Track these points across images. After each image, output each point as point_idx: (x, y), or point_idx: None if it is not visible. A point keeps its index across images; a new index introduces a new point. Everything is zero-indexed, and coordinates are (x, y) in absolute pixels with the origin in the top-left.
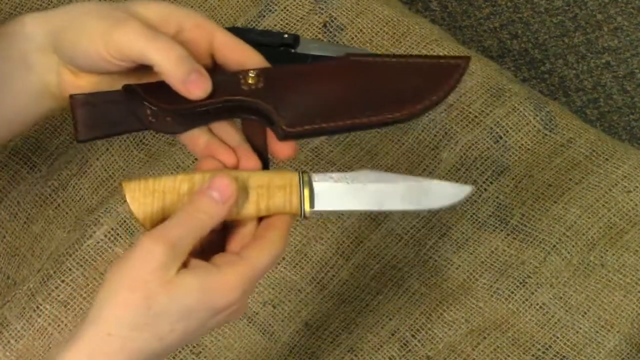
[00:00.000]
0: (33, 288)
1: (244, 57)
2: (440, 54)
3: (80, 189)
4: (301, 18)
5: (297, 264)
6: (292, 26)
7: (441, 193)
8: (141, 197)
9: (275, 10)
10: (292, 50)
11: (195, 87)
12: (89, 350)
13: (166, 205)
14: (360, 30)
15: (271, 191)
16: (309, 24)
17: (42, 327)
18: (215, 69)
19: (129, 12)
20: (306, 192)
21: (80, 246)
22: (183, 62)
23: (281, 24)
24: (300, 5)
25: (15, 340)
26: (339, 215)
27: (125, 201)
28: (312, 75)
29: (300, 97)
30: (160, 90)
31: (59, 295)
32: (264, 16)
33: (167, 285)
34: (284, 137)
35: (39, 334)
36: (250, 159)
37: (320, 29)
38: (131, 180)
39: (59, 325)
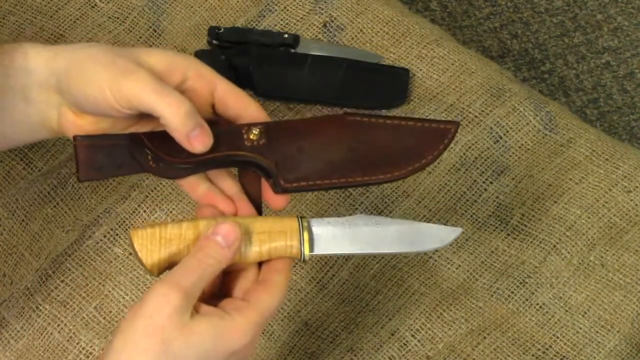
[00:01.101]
0: (31, 287)
1: (243, 107)
2: (440, 54)
3: (80, 187)
4: (301, 18)
5: (297, 264)
6: (292, 26)
7: (432, 236)
8: (149, 244)
9: (275, 10)
10: (292, 50)
11: (198, 142)
12: None
13: (172, 252)
14: (360, 30)
15: (272, 236)
16: (309, 24)
17: (41, 327)
18: (217, 121)
19: (135, 61)
20: (306, 236)
21: (80, 246)
22: (190, 118)
23: (281, 24)
24: (300, 5)
25: (15, 340)
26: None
27: (124, 202)
28: (311, 135)
29: (299, 156)
30: (164, 142)
31: (58, 295)
32: (264, 16)
33: (183, 330)
34: (281, 191)
35: (38, 334)
36: (247, 208)
37: (320, 29)
38: (139, 229)
39: (58, 325)
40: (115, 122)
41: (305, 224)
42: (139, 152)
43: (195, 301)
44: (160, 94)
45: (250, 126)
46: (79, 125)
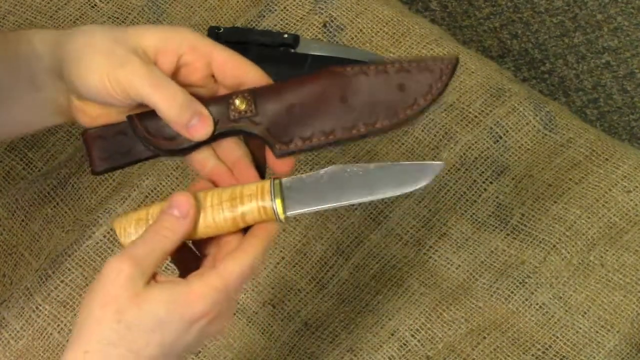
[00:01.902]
0: (31, 288)
1: (242, 73)
2: (440, 54)
3: (80, 187)
4: (301, 18)
5: (296, 264)
6: (292, 26)
7: (415, 173)
8: (128, 227)
9: (275, 10)
10: (292, 50)
11: (197, 131)
12: None
13: None
14: (360, 30)
15: (244, 200)
16: (309, 24)
17: (41, 327)
18: (205, 98)
19: (131, 47)
20: (278, 197)
21: (80, 247)
22: (185, 109)
23: (281, 24)
24: (300, 5)
25: (15, 341)
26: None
27: (124, 202)
28: (299, 93)
29: (290, 117)
30: (159, 125)
31: (58, 296)
32: (264, 16)
33: (135, 299)
34: (280, 155)
35: (38, 334)
36: (247, 171)
37: (320, 29)
38: (120, 216)
39: (58, 325)
40: (120, 109)
41: (277, 182)
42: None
43: (151, 271)
44: (155, 86)
45: (234, 96)
46: (87, 111)
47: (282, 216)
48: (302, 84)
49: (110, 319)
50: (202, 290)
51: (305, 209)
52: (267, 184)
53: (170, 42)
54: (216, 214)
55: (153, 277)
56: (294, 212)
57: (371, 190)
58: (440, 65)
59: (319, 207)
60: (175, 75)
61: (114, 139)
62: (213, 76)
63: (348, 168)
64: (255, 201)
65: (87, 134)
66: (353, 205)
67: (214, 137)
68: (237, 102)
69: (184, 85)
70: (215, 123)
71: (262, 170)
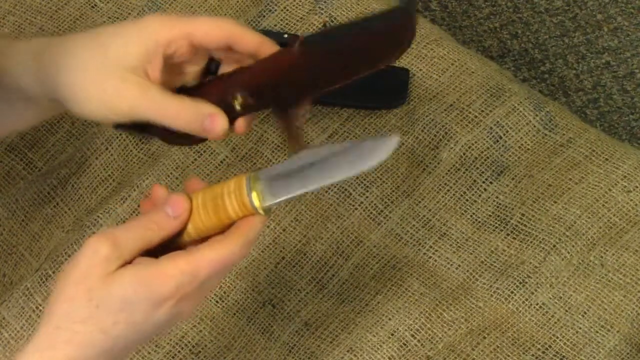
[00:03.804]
0: (31, 288)
1: (225, 36)
2: (440, 54)
3: (80, 187)
4: (301, 18)
5: (296, 264)
6: (292, 26)
7: (374, 149)
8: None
9: (275, 10)
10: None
11: (213, 130)
12: (40, 344)
13: None
14: None
15: (224, 200)
16: (309, 24)
17: None
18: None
19: (121, 68)
20: (254, 191)
21: (80, 247)
22: (195, 116)
23: (281, 24)
24: (300, 5)
25: (15, 340)
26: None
27: (124, 202)
28: (284, 67)
29: (289, 91)
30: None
31: None
32: (264, 16)
33: (106, 279)
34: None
35: None
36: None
37: (320, 29)
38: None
39: None
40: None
41: (253, 175)
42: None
43: (127, 257)
44: (159, 110)
45: (234, 96)
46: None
47: (260, 209)
48: (288, 56)
49: (82, 297)
50: (170, 271)
51: (281, 199)
52: (242, 179)
53: (148, 47)
54: (202, 215)
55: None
56: (270, 203)
57: (332, 173)
58: (402, 19)
59: (292, 195)
60: (166, 64)
61: (143, 129)
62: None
63: (316, 151)
64: (235, 198)
65: (119, 126)
66: (325, 187)
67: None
68: (238, 98)
69: (178, 66)
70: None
71: (299, 141)
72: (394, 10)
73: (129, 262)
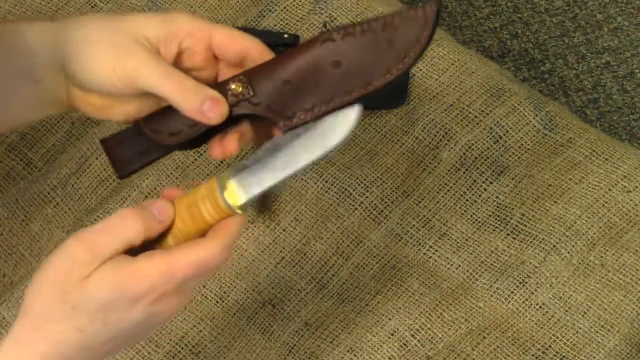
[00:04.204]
0: None
1: (244, 47)
2: (440, 54)
3: (80, 187)
4: (301, 18)
5: (296, 264)
6: (292, 26)
7: (336, 124)
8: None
9: (275, 10)
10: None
11: (212, 112)
12: (16, 340)
13: None
14: None
15: (200, 206)
16: (309, 24)
17: None
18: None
19: (132, 37)
20: (226, 190)
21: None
22: (197, 94)
23: (281, 24)
24: (300, 5)
25: None
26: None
27: (124, 202)
28: (291, 65)
29: (288, 91)
30: (161, 121)
31: None
32: (264, 16)
33: (81, 282)
34: (285, 131)
35: None
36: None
37: (320, 29)
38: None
39: None
40: (124, 98)
41: (224, 176)
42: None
43: (104, 258)
44: (164, 76)
45: (230, 81)
46: (90, 102)
47: (236, 208)
48: (294, 57)
49: (57, 299)
50: (145, 270)
51: (255, 193)
52: (213, 182)
53: (170, 30)
54: (179, 225)
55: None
56: (245, 200)
57: (298, 157)
58: (424, 14)
59: (264, 187)
60: (177, 61)
61: (132, 141)
62: (215, 57)
63: (279, 139)
64: (209, 202)
65: (106, 142)
66: (297, 173)
67: (219, 128)
68: (234, 86)
69: (186, 70)
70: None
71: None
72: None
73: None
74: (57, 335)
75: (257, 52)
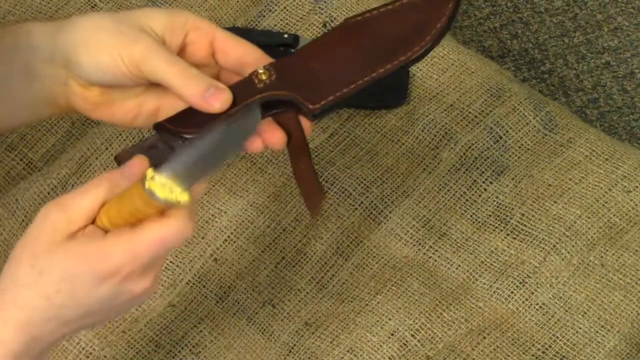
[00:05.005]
0: None
1: (243, 53)
2: (440, 54)
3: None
4: (301, 18)
5: (296, 264)
6: (292, 26)
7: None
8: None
9: (275, 10)
10: (292, 50)
11: (215, 99)
12: None
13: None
14: None
15: (139, 216)
16: (309, 24)
17: None
18: (219, 72)
19: (137, 27)
20: (148, 183)
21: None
22: (200, 80)
23: (281, 24)
24: (300, 5)
25: None
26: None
27: None
28: (317, 51)
29: (314, 74)
30: (186, 118)
31: None
32: (264, 16)
33: (51, 246)
34: (313, 116)
35: None
36: (277, 134)
37: (320, 29)
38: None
39: None
40: (123, 92)
41: (150, 182)
42: (173, 140)
43: (80, 222)
44: (169, 62)
45: (256, 70)
46: (86, 97)
47: (174, 200)
48: (316, 43)
49: (25, 262)
50: (111, 250)
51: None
52: (141, 191)
53: (176, 21)
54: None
55: (83, 228)
56: (181, 185)
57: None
58: None
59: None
60: (180, 55)
61: (147, 153)
62: (214, 57)
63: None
64: (148, 209)
65: (120, 156)
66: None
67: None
68: (261, 71)
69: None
70: (244, 98)
71: (304, 148)
72: None
73: (82, 228)
74: (25, 299)
75: (256, 58)
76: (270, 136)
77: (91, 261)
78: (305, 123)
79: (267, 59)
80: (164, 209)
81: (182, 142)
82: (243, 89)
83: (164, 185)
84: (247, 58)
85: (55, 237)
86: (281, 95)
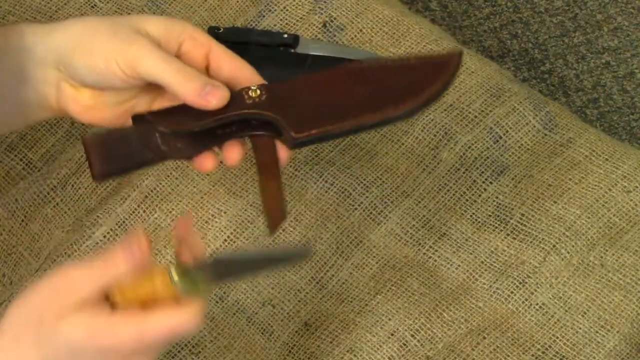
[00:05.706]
0: None
1: (237, 69)
2: (440, 54)
3: (80, 188)
4: (301, 18)
5: (296, 264)
6: (292, 26)
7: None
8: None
9: (275, 10)
10: (292, 50)
11: (212, 96)
12: None
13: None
14: (360, 30)
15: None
16: (309, 24)
17: None
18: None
19: (133, 29)
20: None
21: (79, 247)
22: (197, 79)
23: (281, 24)
24: (300, 5)
25: None
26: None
27: (124, 202)
28: (312, 84)
29: (303, 104)
30: (168, 114)
31: None
32: (264, 16)
33: (58, 318)
34: (293, 144)
35: None
36: (234, 148)
37: (320, 29)
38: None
39: None
40: (115, 95)
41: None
42: (149, 136)
43: (87, 297)
44: (165, 61)
45: (249, 87)
46: (78, 100)
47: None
48: (318, 77)
49: (33, 326)
50: (120, 328)
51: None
52: (171, 288)
53: (172, 29)
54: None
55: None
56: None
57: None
58: (451, 57)
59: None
60: None
61: (115, 144)
62: (207, 70)
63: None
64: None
65: (86, 138)
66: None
67: (226, 132)
68: (253, 88)
69: None
70: (231, 109)
71: (276, 171)
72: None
73: (89, 302)
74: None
75: (248, 75)
76: (229, 152)
77: (98, 337)
78: (282, 152)
79: (259, 79)
80: (180, 297)
81: (158, 135)
82: (231, 102)
83: (190, 276)
84: (240, 75)
85: (62, 311)
86: (266, 116)
